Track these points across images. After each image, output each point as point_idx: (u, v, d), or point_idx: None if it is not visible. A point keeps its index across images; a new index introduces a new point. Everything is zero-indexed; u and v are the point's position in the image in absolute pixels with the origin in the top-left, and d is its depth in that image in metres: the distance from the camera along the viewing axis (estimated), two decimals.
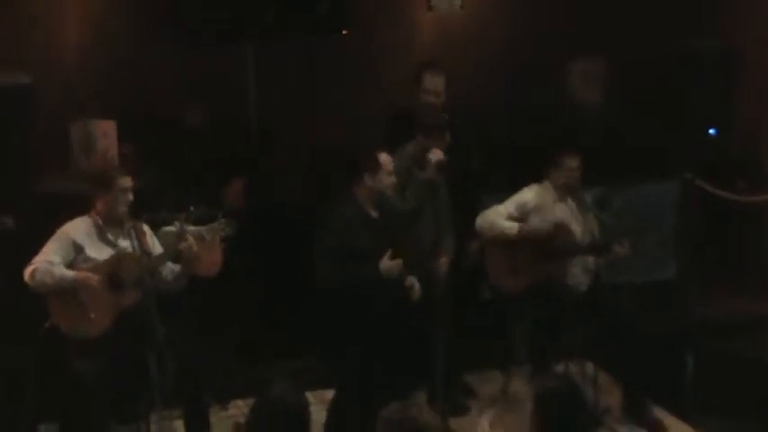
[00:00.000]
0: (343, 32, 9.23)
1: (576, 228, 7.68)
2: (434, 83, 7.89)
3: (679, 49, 9.99)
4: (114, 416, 6.95)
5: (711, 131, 10.06)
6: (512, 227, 7.51)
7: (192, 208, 6.86)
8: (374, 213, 6.90)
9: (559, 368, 8.15)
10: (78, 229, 6.78)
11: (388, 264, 6.72)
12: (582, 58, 10.05)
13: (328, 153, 9.35)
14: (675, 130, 9.87)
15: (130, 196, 6.78)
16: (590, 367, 7.80)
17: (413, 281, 6.94)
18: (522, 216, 7.61)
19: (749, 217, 9.40)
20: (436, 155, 7.22)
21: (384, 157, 6.86)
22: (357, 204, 6.84)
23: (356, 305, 6.73)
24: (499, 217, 7.55)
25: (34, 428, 7.36)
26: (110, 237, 6.81)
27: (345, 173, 7.14)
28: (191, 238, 6.77)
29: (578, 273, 7.68)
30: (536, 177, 7.77)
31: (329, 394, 7.30)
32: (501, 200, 7.71)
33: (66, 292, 6.63)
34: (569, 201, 7.71)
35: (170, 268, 6.89)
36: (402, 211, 7.11)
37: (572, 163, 7.61)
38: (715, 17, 10.00)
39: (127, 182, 6.79)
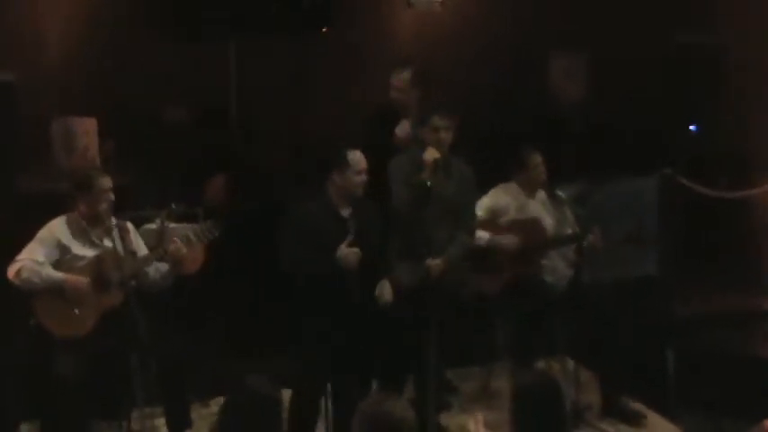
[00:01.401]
0: (323, 30, 9.22)
1: (549, 221, 7.71)
2: (399, 79, 7.86)
3: (664, 45, 10.02)
4: (96, 414, 6.96)
5: (693, 128, 10.09)
6: (481, 237, 7.53)
7: (173, 205, 6.87)
8: (345, 212, 6.88)
9: (540, 365, 8.20)
10: (62, 228, 6.76)
11: (344, 251, 6.67)
12: (563, 53, 10.06)
13: (309, 150, 9.35)
14: (658, 125, 9.89)
15: (111, 196, 6.77)
16: (570, 364, 7.83)
17: (382, 289, 6.93)
18: (493, 218, 7.64)
19: (731, 212, 9.42)
20: (431, 154, 7.16)
21: (354, 156, 6.82)
22: (326, 201, 6.82)
23: (333, 299, 6.73)
24: None
25: (15, 427, 7.35)
26: (93, 237, 6.79)
27: (317, 171, 7.12)
28: (178, 241, 6.77)
29: (561, 267, 7.71)
30: (505, 176, 7.80)
31: None
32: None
33: (51, 292, 6.63)
34: (540, 196, 7.74)
35: (156, 267, 6.86)
36: (404, 213, 7.08)
37: (534, 160, 7.64)
38: (701, 13, 10.02)
39: (107, 182, 6.76)
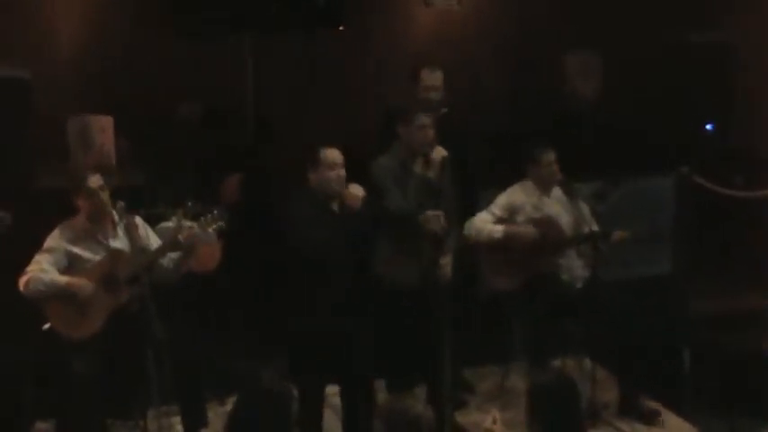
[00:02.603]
0: (340, 28, 9.21)
1: (567, 220, 7.70)
2: (432, 78, 7.89)
3: (677, 43, 10.00)
4: (112, 413, 6.97)
5: (708, 127, 10.07)
6: (497, 230, 7.56)
7: (189, 203, 6.85)
8: (334, 206, 6.86)
9: (557, 363, 8.20)
10: (67, 234, 6.79)
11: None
12: (578, 52, 10.05)
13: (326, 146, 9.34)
14: (673, 124, 9.87)
15: (104, 195, 6.76)
16: (587, 363, 7.83)
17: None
18: (509, 216, 7.65)
19: (747, 212, 9.40)
20: (438, 152, 7.21)
21: (327, 152, 6.78)
22: (311, 196, 6.80)
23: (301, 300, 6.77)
24: (485, 223, 7.58)
25: (31, 426, 7.36)
26: (99, 237, 6.81)
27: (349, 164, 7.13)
28: (195, 226, 6.74)
29: (577, 266, 7.70)
30: (522, 173, 7.81)
31: (330, 389, 7.32)
32: (496, 196, 7.75)
33: (61, 297, 6.64)
34: (556, 193, 7.74)
35: (170, 257, 6.87)
36: (402, 210, 7.08)
37: (547, 157, 7.64)
38: (713, 12, 10.00)
39: (95, 181, 6.76)
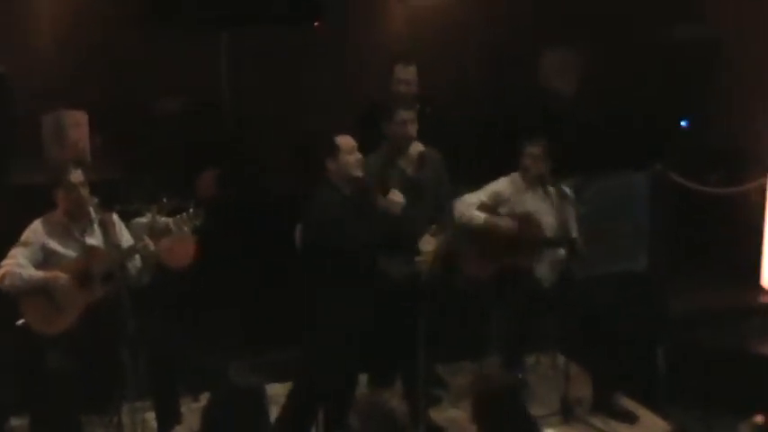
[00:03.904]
0: (315, 24, 9.21)
1: (549, 220, 7.70)
2: (406, 73, 7.91)
3: (656, 40, 10.01)
4: (86, 409, 6.96)
5: (683, 123, 10.09)
6: (478, 217, 7.58)
7: (164, 199, 6.84)
8: (358, 195, 6.90)
9: (531, 359, 8.22)
10: (44, 229, 6.79)
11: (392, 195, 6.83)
12: (556, 48, 10.06)
13: (301, 142, 9.34)
14: (650, 121, 9.89)
15: (84, 191, 6.76)
16: (561, 359, 7.84)
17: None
18: (494, 205, 7.67)
19: (722, 208, 9.43)
20: (416, 148, 7.23)
21: (343, 139, 6.83)
22: (331, 187, 6.82)
23: (332, 292, 6.74)
24: (470, 207, 7.60)
25: (6, 421, 7.35)
26: (75, 233, 6.81)
27: (310, 163, 7.13)
28: (147, 238, 6.76)
29: (546, 264, 7.70)
30: (509, 168, 7.81)
31: None
32: (476, 190, 7.76)
33: (36, 292, 6.63)
34: (543, 191, 7.74)
35: (134, 263, 6.87)
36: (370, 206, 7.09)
37: (532, 150, 7.64)
38: (695, 7, 10.02)
39: (78, 176, 6.76)
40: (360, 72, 9.47)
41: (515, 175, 7.77)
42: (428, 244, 6.86)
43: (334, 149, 6.78)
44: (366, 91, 8.68)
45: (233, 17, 8.95)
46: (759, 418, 5.98)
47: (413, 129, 7.26)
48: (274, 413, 6.94)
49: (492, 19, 9.95)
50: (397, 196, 6.88)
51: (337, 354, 6.77)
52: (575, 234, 7.67)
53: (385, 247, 6.91)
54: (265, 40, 9.33)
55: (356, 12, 9.74)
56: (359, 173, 6.82)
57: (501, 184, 7.77)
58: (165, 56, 9.07)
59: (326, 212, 6.70)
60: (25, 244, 6.74)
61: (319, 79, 9.52)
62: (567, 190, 7.68)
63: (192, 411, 7.25)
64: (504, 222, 7.61)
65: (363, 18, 9.82)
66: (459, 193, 7.77)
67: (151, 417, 7.09)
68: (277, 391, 7.71)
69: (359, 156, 6.82)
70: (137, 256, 6.83)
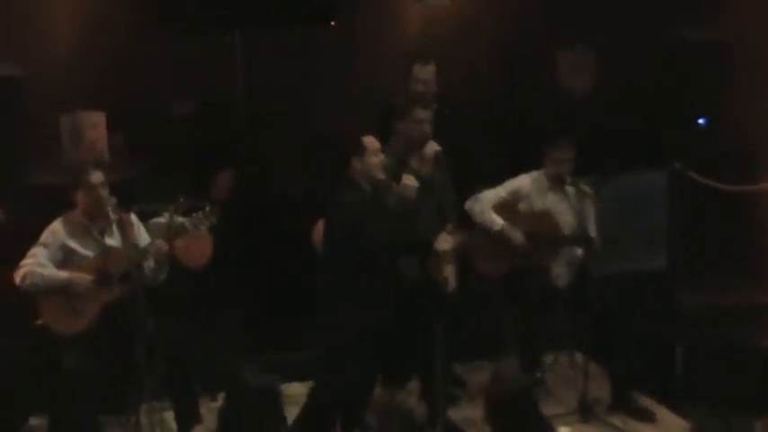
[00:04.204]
0: (332, 23, 9.22)
1: (568, 219, 7.70)
2: (424, 72, 7.91)
3: (671, 39, 9.99)
4: (104, 409, 6.98)
5: (701, 121, 10.07)
6: (496, 223, 7.58)
7: (181, 199, 6.86)
8: (380, 193, 6.93)
9: (549, 359, 8.22)
10: (64, 229, 6.82)
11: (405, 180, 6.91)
12: (571, 47, 10.04)
13: (319, 142, 9.36)
14: (666, 119, 9.88)
15: (103, 192, 6.78)
16: (579, 358, 7.83)
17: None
18: (513, 201, 7.68)
19: (739, 207, 9.40)
20: (432, 147, 7.24)
21: (368, 140, 6.87)
22: (354, 185, 6.85)
23: (355, 291, 6.76)
24: (489, 204, 7.62)
25: (25, 421, 7.37)
26: (95, 233, 6.83)
27: (335, 162, 7.15)
28: (160, 240, 6.77)
29: (564, 263, 7.70)
30: (528, 166, 7.81)
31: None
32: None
33: (56, 292, 6.65)
34: (564, 190, 7.73)
35: (149, 263, 6.89)
36: (399, 207, 7.10)
37: (565, 155, 7.65)
38: (709, 7, 9.99)
39: (98, 177, 6.79)
40: (376, 72, 9.46)
41: (539, 174, 7.77)
42: (445, 242, 6.86)
43: (360, 149, 6.82)
44: (382, 90, 8.67)
45: (248, 18, 8.95)
46: None
47: (429, 128, 7.28)
48: (290, 413, 6.96)
49: (506, 18, 9.94)
50: (410, 180, 6.94)
51: (356, 353, 6.78)
52: (593, 233, 7.66)
53: (404, 245, 6.91)
54: (281, 41, 9.34)
55: (372, 11, 9.73)
56: (381, 175, 6.87)
57: (522, 181, 7.78)
58: (182, 57, 9.08)
59: (350, 211, 6.73)
60: (45, 244, 6.77)
61: (335, 79, 9.53)
62: (587, 188, 7.68)
63: (210, 411, 7.27)
64: (516, 237, 7.60)
65: (379, 18, 9.81)
66: (474, 192, 7.79)
67: (170, 416, 7.11)
68: (293, 391, 7.75)
69: (383, 157, 6.87)
70: (148, 262, 6.85)
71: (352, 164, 6.83)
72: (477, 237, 7.62)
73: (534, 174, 7.79)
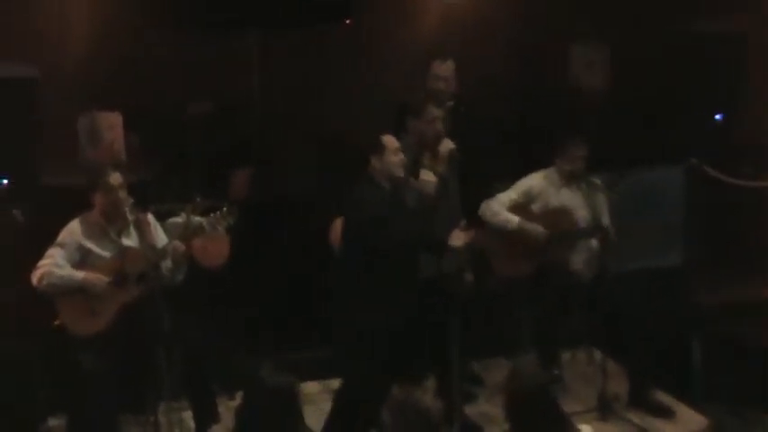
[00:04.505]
0: (347, 21, 9.22)
1: (583, 213, 7.70)
2: (443, 69, 7.91)
3: (686, 33, 9.98)
4: (123, 408, 6.99)
5: (717, 117, 10.05)
6: (512, 221, 7.57)
7: (198, 199, 6.87)
8: (398, 192, 6.94)
9: (567, 356, 8.21)
10: (81, 229, 6.83)
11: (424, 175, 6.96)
12: (585, 44, 10.04)
13: (334, 142, 9.37)
14: (682, 115, 9.86)
15: (122, 193, 6.79)
16: (598, 355, 7.82)
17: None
18: (526, 202, 7.67)
19: (756, 202, 9.39)
20: (446, 146, 7.25)
21: (387, 138, 6.88)
22: (373, 183, 6.85)
23: (372, 289, 6.77)
24: (502, 207, 7.61)
25: (44, 422, 7.40)
26: (112, 234, 6.85)
27: (351, 160, 7.17)
28: (177, 241, 6.79)
29: (581, 260, 7.70)
30: (543, 163, 7.80)
31: (335, 383, 7.34)
32: (510, 186, 7.76)
33: (73, 293, 6.67)
34: (576, 185, 7.73)
35: (166, 263, 6.90)
36: (418, 205, 7.10)
37: (578, 152, 7.65)
38: (723, 3, 9.97)
39: (116, 178, 6.80)
40: (391, 70, 9.47)
41: (551, 171, 7.76)
42: (458, 239, 6.86)
43: (380, 148, 6.82)
44: (397, 89, 8.67)
45: (262, 18, 8.96)
46: None
47: (442, 126, 7.28)
48: (308, 412, 6.97)
49: (521, 15, 9.94)
50: (429, 176, 6.96)
51: (373, 352, 6.79)
52: (607, 223, 7.66)
53: (422, 243, 6.92)
54: (296, 40, 9.35)
55: (386, 9, 9.73)
56: (401, 173, 6.87)
57: (533, 180, 7.76)
58: (198, 58, 9.10)
59: (369, 209, 6.73)
60: (62, 244, 6.79)
61: (349, 78, 9.53)
62: (598, 180, 7.68)
63: (229, 410, 7.27)
64: (534, 230, 7.59)
65: (393, 16, 9.81)
66: (491, 190, 7.79)
67: (188, 416, 7.11)
68: (311, 390, 7.76)
69: (402, 156, 6.87)
70: (166, 262, 6.86)
71: (372, 162, 6.84)
72: (493, 239, 7.61)
73: (545, 171, 7.78)
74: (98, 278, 6.70)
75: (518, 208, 7.65)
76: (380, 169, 6.84)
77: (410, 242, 6.81)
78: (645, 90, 9.83)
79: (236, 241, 7.57)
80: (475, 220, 7.58)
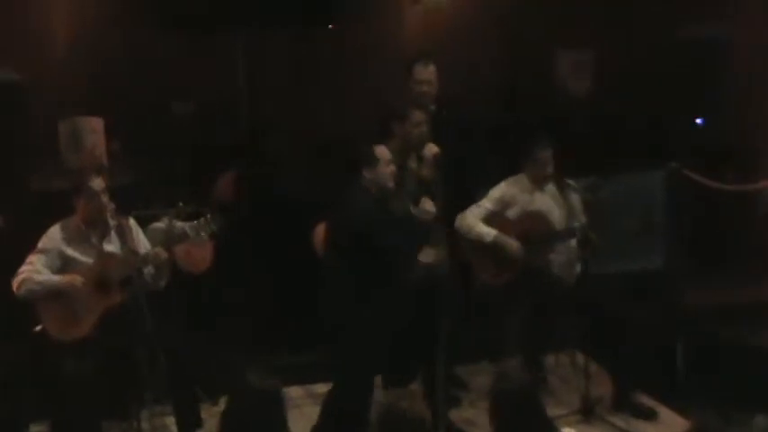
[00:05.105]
0: (330, 26, 9.22)
1: (558, 214, 7.70)
2: (425, 73, 7.88)
3: (668, 39, 10.00)
4: (106, 413, 6.98)
5: (699, 121, 10.08)
6: (488, 233, 7.56)
7: (181, 203, 6.86)
8: (388, 203, 6.95)
9: (549, 359, 8.22)
10: (62, 235, 6.82)
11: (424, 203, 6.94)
12: (570, 48, 10.05)
13: (318, 146, 9.37)
14: (664, 119, 9.89)
15: (104, 198, 6.78)
16: (580, 358, 7.83)
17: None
18: (501, 210, 7.66)
19: (738, 206, 9.42)
20: (431, 149, 7.25)
21: (380, 150, 6.87)
22: (363, 191, 6.85)
23: (358, 294, 6.78)
24: (476, 219, 7.60)
25: (26, 427, 7.37)
26: (93, 239, 6.84)
27: (339, 164, 7.17)
28: (158, 247, 6.78)
29: (561, 262, 7.70)
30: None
31: (319, 388, 7.34)
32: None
33: (54, 298, 6.65)
34: (549, 188, 7.74)
35: (149, 271, 6.89)
36: (400, 211, 7.10)
37: (544, 154, 7.64)
38: (705, 5, 10.00)
39: (99, 183, 6.79)
40: (374, 73, 9.46)
41: (521, 176, 7.76)
42: (428, 204, 6.93)
43: (373, 160, 6.83)
44: (382, 91, 8.67)
45: (248, 19, 8.96)
46: None
47: (426, 130, 7.29)
48: (293, 416, 6.95)
49: (504, 19, 9.95)
50: (428, 205, 6.96)
51: (359, 356, 6.79)
52: (583, 222, 7.66)
53: (410, 250, 6.93)
54: (281, 43, 9.35)
55: (371, 14, 9.73)
56: (392, 184, 6.88)
57: (504, 188, 7.75)
58: (182, 59, 9.09)
59: (358, 216, 6.74)
60: (43, 251, 6.77)
61: (335, 81, 9.53)
62: (570, 181, 7.69)
63: (211, 416, 7.26)
64: (512, 246, 7.58)
65: (377, 19, 9.81)
66: (474, 194, 7.79)
67: (171, 421, 7.10)
68: (295, 394, 7.75)
69: (393, 167, 6.88)
70: (148, 268, 6.85)
71: (363, 174, 6.84)
72: (472, 250, 7.62)
73: (515, 177, 7.77)
74: (74, 278, 6.68)
75: (494, 217, 7.64)
76: (372, 180, 6.84)
77: (397, 249, 6.80)
78: (628, 94, 9.85)
79: (220, 245, 7.56)
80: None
